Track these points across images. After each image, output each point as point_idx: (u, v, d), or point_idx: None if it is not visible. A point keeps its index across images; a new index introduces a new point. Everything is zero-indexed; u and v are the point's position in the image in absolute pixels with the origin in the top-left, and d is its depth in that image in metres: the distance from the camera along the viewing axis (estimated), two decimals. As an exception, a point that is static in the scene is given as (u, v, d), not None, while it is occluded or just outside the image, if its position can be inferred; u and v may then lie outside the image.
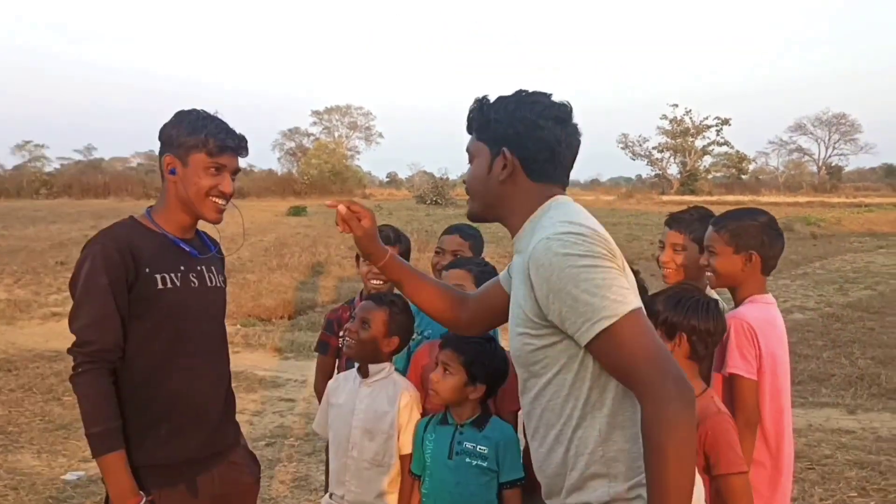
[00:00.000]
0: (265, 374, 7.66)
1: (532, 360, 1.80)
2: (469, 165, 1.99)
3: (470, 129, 1.98)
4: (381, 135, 79.40)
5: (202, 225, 2.55)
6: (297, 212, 24.99)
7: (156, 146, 2.48)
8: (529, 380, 1.85)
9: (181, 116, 2.42)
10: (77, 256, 2.38)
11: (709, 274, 2.72)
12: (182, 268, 2.41)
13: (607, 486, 1.73)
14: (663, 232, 3.05)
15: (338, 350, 3.34)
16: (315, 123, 78.26)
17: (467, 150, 1.99)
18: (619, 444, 1.72)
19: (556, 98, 1.91)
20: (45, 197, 38.28)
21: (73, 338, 2.27)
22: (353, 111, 78.58)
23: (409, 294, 2.31)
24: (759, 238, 2.66)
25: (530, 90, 1.91)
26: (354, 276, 12.19)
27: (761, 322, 2.58)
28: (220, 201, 2.43)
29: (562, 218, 1.78)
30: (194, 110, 2.44)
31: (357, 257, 3.41)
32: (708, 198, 41.00)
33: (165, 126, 2.42)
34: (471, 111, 1.96)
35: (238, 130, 2.47)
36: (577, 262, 1.65)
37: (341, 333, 3.29)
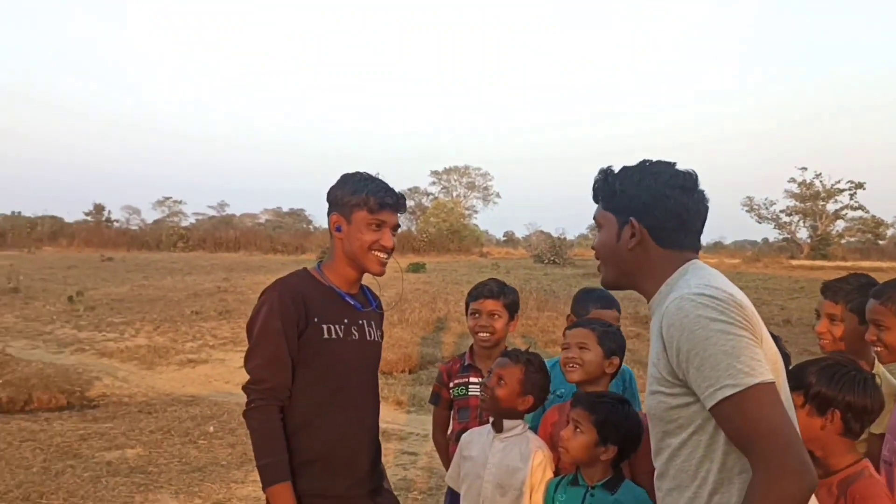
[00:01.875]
0: (388, 426, 7.75)
1: (667, 418, 1.80)
2: (598, 233, 2.03)
3: (596, 199, 2.04)
4: (498, 195, 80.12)
5: (366, 280, 2.73)
6: (416, 268, 25.35)
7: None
8: (664, 439, 1.84)
9: (345, 178, 2.63)
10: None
11: (878, 349, 2.58)
12: (346, 320, 2.59)
13: None
14: (819, 301, 2.94)
15: (450, 402, 3.43)
16: (434, 183, 79.74)
17: (594, 218, 2.05)
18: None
19: (680, 167, 1.94)
20: (182, 250, 40.34)
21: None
22: (472, 171, 79.68)
23: None
24: None
25: (654, 160, 1.96)
26: (474, 334, 12.17)
27: None
28: (382, 255, 2.60)
29: (698, 281, 1.78)
30: (357, 172, 2.65)
31: (466, 309, 3.46)
32: (842, 263, 38.98)
33: (332, 188, 2.64)
34: (596, 181, 2.02)
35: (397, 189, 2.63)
36: (709, 326, 1.65)
37: (451, 385, 3.40)
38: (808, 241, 61.11)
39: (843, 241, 62.45)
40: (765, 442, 1.57)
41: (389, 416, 8.29)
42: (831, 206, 61.88)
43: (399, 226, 2.68)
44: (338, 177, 2.65)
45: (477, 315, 3.38)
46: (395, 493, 5.74)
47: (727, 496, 1.71)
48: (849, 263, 37.54)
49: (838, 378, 2.26)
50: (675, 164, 1.95)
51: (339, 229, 2.60)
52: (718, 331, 1.64)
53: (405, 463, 6.66)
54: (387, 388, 9.50)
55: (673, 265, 1.90)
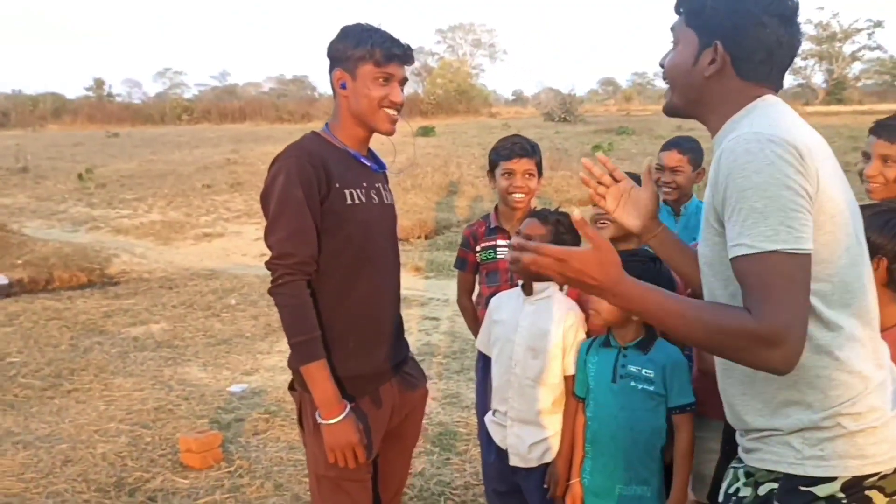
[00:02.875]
0: (408, 293, 7.80)
1: (716, 266, 1.69)
2: (672, 49, 1.82)
3: (678, 10, 1.80)
4: (505, 52, 78.35)
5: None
6: (425, 132, 24.93)
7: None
8: (716, 290, 1.72)
9: (346, 31, 2.42)
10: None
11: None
12: (364, 184, 2.44)
13: (800, 413, 1.61)
14: (868, 142, 2.74)
15: (476, 266, 3.36)
16: (439, 42, 77.71)
17: (672, 29, 1.81)
18: (816, 370, 1.59)
19: None
20: (187, 122, 39.92)
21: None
22: (477, 28, 77.48)
23: (678, 268, 2.15)
24: None
25: None
26: (488, 195, 12.14)
27: None
28: (392, 111, 2.42)
29: (761, 121, 1.61)
30: (358, 24, 2.43)
31: (492, 168, 3.34)
32: (858, 107, 38.12)
33: (332, 42, 2.43)
34: None
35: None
36: (751, 178, 1.50)
37: (478, 249, 3.31)
38: (824, 85, 59.65)
39: (859, 84, 60.99)
40: (771, 307, 1.47)
41: (408, 283, 8.33)
42: (848, 48, 60.04)
43: (407, 79, 2.48)
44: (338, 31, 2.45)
45: (510, 175, 3.24)
46: (420, 358, 5.87)
47: None
48: (865, 107, 36.83)
49: (891, 225, 2.10)
50: None
51: (343, 86, 2.40)
52: (758, 185, 1.50)
53: (427, 328, 6.75)
54: (404, 255, 9.46)
55: (745, 99, 1.72)
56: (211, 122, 39.40)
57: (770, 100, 1.71)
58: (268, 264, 2.31)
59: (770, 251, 1.47)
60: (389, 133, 2.45)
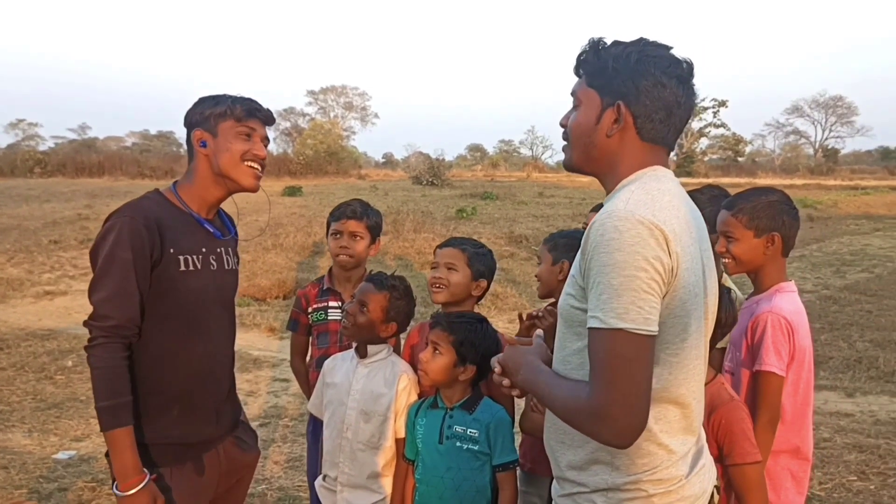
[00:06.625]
0: (259, 353, 7.61)
1: (570, 321, 1.73)
2: (573, 110, 1.84)
3: (578, 72, 1.83)
4: (376, 115, 79.37)
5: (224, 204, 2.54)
6: (292, 192, 24.75)
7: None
8: (566, 339, 1.76)
9: (203, 98, 2.42)
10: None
11: (727, 261, 2.62)
12: (203, 250, 2.38)
13: (606, 473, 1.68)
14: None
15: (308, 327, 3.33)
16: (310, 103, 78.00)
17: (573, 93, 1.84)
18: None
19: (677, 53, 1.77)
20: (39, 176, 37.86)
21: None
22: (349, 91, 78.34)
23: None
24: (779, 218, 2.56)
25: (651, 40, 1.77)
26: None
27: (795, 315, 2.50)
28: (256, 166, 2.40)
29: (638, 197, 1.64)
30: (214, 94, 2.44)
31: (327, 229, 3.34)
32: (704, 180, 40.77)
33: (190, 111, 2.42)
34: (584, 52, 1.80)
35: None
36: (613, 255, 1.55)
37: (309, 310, 3.30)
38: (675, 158, 63.53)
39: (706, 159, 65.49)
40: (602, 384, 1.54)
41: (262, 343, 8.13)
42: (696, 125, 64.55)
43: (269, 139, 2.47)
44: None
45: (338, 236, 3.26)
46: (266, 420, 5.71)
47: None
48: (710, 180, 39.41)
49: None
50: (672, 48, 1.78)
51: (203, 144, 2.36)
52: (617, 263, 1.54)
53: (277, 390, 6.57)
54: (259, 315, 9.30)
55: (641, 161, 1.75)
56: (66, 176, 37.50)
57: (658, 172, 1.75)
58: (85, 323, 2.23)
59: (617, 328, 1.52)
60: (253, 189, 2.42)
